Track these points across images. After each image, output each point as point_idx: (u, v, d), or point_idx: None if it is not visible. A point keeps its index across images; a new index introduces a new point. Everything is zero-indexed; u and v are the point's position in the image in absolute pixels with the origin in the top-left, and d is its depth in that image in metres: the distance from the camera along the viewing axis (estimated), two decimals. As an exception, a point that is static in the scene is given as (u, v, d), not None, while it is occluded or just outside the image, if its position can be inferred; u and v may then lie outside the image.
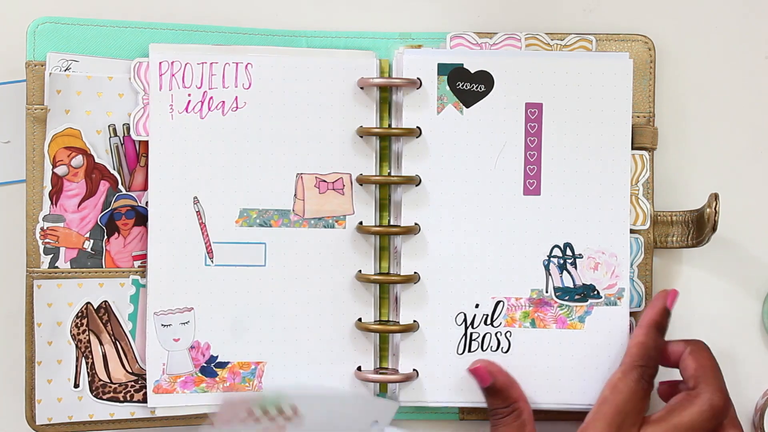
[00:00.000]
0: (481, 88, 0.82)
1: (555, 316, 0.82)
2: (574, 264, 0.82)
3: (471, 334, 0.82)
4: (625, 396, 0.77)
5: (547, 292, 0.82)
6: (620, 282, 0.82)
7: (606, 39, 0.85)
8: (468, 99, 0.82)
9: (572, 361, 0.82)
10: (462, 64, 0.82)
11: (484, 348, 0.82)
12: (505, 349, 0.82)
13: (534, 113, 0.82)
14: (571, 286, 0.82)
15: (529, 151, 0.82)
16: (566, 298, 0.82)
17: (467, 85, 0.82)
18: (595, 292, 0.82)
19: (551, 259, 0.82)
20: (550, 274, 0.82)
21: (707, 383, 0.77)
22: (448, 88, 0.82)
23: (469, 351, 0.82)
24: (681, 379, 0.81)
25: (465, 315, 0.82)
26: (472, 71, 0.82)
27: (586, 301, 0.82)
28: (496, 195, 0.82)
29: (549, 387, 0.82)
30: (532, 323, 0.82)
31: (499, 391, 0.80)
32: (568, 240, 0.82)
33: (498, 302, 0.82)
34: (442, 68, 0.82)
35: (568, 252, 0.82)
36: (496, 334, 0.82)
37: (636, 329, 0.80)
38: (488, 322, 0.82)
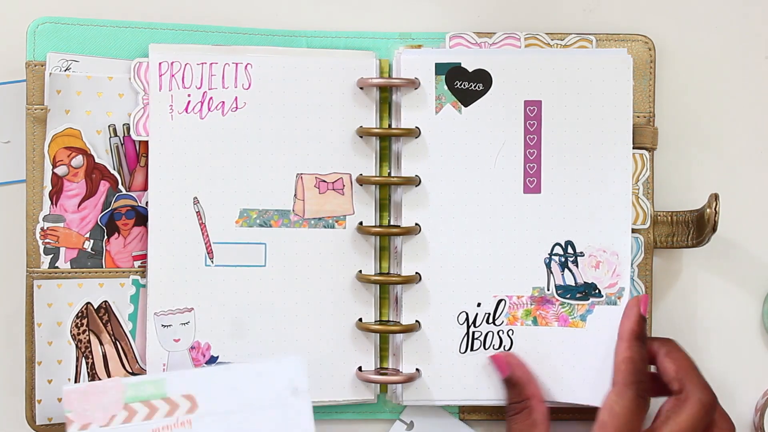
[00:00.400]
0: (479, 87, 0.82)
1: (557, 314, 0.82)
2: (575, 262, 0.82)
3: (473, 333, 0.82)
4: (624, 418, 0.76)
5: (548, 290, 0.82)
6: (621, 281, 0.81)
7: (606, 39, 0.85)
8: (466, 98, 0.82)
9: (574, 359, 0.82)
10: (460, 63, 0.82)
11: (487, 346, 0.82)
12: (507, 347, 0.82)
13: (533, 111, 0.82)
14: (573, 284, 0.82)
15: (529, 149, 0.82)
16: (568, 296, 0.82)
17: (465, 84, 0.82)
18: (597, 291, 0.82)
19: (552, 257, 0.82)
20: (551, 272, 0.82)
21: (692, 383, 0.77)
22: (446, 87, 0.82)
23: (472, 350, 0.82)
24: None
25: (467, 314, 0.82)
26: (470, 70, 0.82)
27: (588, 299, 0.82)
28: (496, 194, 0.82)
29: (552, 384, 0.82)
30: (534, 321, 0.82)
31: (515, 384, 0.80)
32: (570, 238, 0.82)
33: (500, 300, 0.82)
34: (440, 67, 0.82)
35: (570, 250, 0.82)
36: (498, 332, 0.82)
37: (618, 344, 0.79)
38: (490, 320, 0.82)
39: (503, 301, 0.82)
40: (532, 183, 0.82)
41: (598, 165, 0.82)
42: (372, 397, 0.83)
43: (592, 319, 0.82)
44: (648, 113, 0.85)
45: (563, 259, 0.82)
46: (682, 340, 0.85)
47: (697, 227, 0.83)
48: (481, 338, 0.82)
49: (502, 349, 0.82)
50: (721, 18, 0.87)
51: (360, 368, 0.83)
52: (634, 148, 0.83)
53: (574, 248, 0.82)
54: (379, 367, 0.84)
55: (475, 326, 0.82)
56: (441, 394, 0.82)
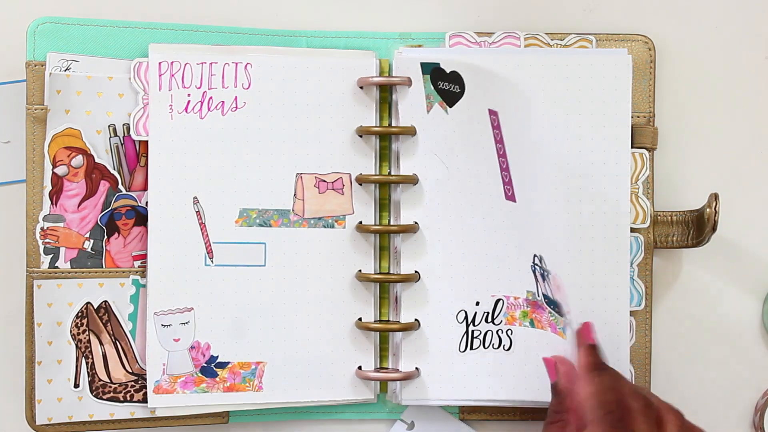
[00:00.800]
0: (456, 89, 0.81)
1: (548, 320, 0.80)
2: (548, 276, 0.79)
3: (472, 331, 0.82)
4: None
5: (538, 296, 0.80)
6: (570, 314, 0.75)
7: (606, 39, 0.85)
8: (449, 99, 0.82)
9: None
10: (438, 64, 0.81)
11: (486, 345, 0.82)
12: (507, 347, 0.82)
13: (495, 120, 0.80)
14: (550, 296, 0.79)
15: (500, 157, 0.80)
16: (551, 306, 0.79)
17: (446, 85, 0.81)
18: (561, 311, 0.78)
19: (534, 265, 0.80)
20: (537, 280, 0.80)
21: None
22: (432, 87, 0.82)
23: (471, 348, 0.82)
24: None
25: (466, 313, 0.82)
26: (447, 71, 0.81)
27: (562, 315, 0.78)
28: (484, 196, 0.81)
29: (545, 386, 0.80)
30: (531, 323, 0.81)
31: (558, 392, 0.76)
32: (541, 252, 0.79)
33: (498, 300, 0.82)
34: (425, 67, 0.81)
35: (542, 264, 0.79)
36: (497, 331, 0.82)
37: (578, 384, 0.74)
38: (489, 319, 0.82)
39: (501, 301, 0.82)
40: (509, 191, 0.80)
41: (592, 169, 0.81)
42: (372, 396, 0.83)
43: (569, 334, 0.78)
44: (648, 113, 0.85)
45: (541, 271, 0.80)
46: (682, 340, 0.86)
47: (697, 227, 0.83)
48: (481, 337, 0.82)
49: (501, 348, 0.82)
50: (721, 18, 0.87)
51: (360, 367, 0.83)
52: (633, 147, 0.83)
53: (544, 263, 0.79)
54: (378, 366, 0.83)
55: (474, 325, 0.82)
56: (440, 393, 0.82)
